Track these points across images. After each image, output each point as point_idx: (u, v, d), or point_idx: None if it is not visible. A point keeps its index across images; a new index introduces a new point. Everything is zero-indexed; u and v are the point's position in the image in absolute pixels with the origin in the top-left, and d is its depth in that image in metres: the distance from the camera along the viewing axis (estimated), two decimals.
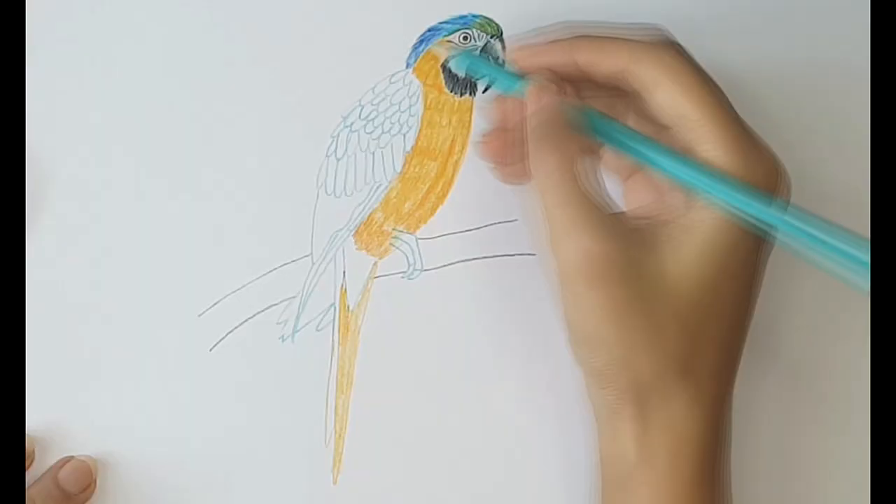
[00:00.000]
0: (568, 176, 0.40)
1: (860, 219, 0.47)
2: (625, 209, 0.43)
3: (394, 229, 0.49)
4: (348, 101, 0.49)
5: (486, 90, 0.48)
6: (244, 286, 0.48)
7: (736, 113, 0.42)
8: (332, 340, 0.48)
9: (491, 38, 0.49)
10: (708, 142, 0.41)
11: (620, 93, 0.43)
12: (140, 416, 0.48)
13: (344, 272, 0.48)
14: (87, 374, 0.48)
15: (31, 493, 0.46)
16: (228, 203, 0.48)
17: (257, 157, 0.49)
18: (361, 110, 0.49)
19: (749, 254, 0.40)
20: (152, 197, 0.48)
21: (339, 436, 0.47)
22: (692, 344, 0.39)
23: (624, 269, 0.39)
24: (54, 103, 0.48)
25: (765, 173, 0.41)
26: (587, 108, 0.43)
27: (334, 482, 0.47)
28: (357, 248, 0.49)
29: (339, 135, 0.49)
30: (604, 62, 0.42)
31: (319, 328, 0.48)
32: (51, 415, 0.47)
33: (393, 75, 0.49)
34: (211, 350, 0.48)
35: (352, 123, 0.49)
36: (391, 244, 0.49)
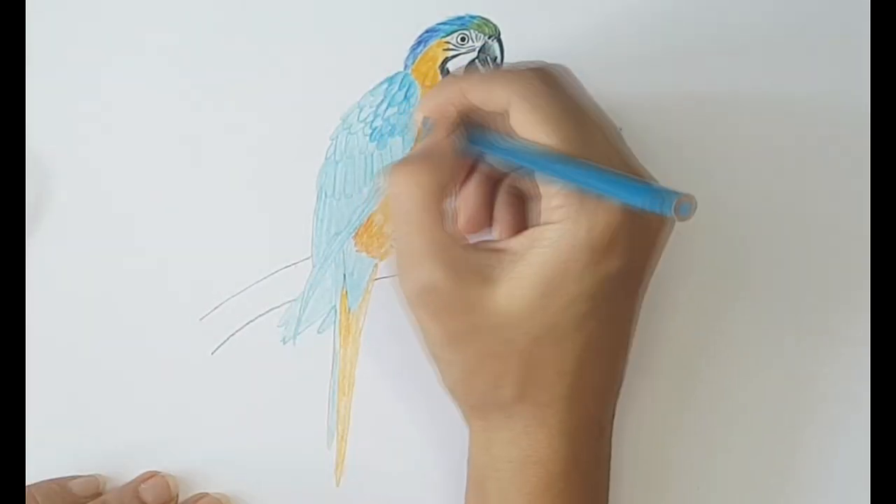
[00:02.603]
0: (421, 206, 0.41)
1: (860, 219, 0.48)
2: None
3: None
4: (347, 103, 0.49)
5: None
6: (245, 289, 0.48)
7: (600, 136, 0.41)
8: (334, 343, 0.48)
9: (489, 38, 0.49)
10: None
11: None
12: (142, 421, 0.47)
13: (345, 274, 0.48)
14: (88, 378, 0.47)
15: (106, 498, 0.46)
16: (229, 206, 0.48)
17: (257, 161, 0.48)
18: (360, 112, 0.49)
19: (595, 286, 0.40)
20: (152, 200, 0.48)
21: (342, 438, 0.47)
22: (527, 370, 0.41)
23: (457, 303, 0.40)
24: (54, 103, 0.48)
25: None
26: (470, 128, 0.43)
27: (337, 484, 0.47)
28: (357, 250, 0.49)
29: (337, 137, 0.49)
30: (489, 98, 0.42)
31: (321, 330, 0.48)
32: (52, 420, 0.47)
33: (391, 77, 0.49)
34: (213, 354, 0.48)
35: (350, 125, 0.49)
36: (392, 246, 0.49)
